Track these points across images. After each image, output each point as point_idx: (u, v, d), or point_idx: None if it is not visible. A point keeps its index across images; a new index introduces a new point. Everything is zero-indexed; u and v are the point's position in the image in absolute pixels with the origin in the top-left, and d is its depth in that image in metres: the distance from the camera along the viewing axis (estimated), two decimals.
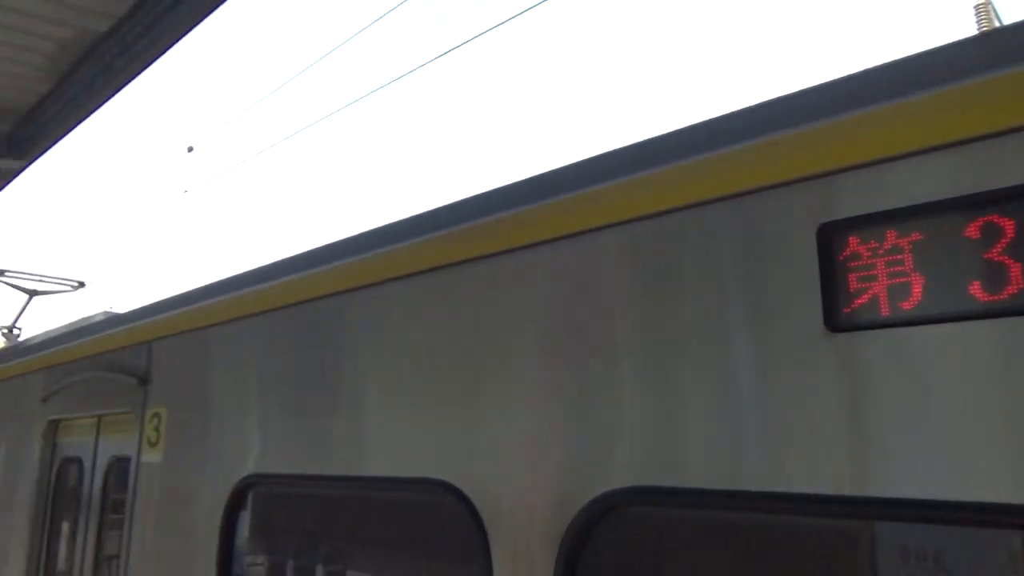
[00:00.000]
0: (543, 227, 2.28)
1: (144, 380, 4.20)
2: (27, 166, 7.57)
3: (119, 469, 4.51)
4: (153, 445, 3.99)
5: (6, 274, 10.86)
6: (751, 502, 1.75)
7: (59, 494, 5.23)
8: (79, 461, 5.00)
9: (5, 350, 8.49)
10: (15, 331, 11.17)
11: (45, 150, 7.28)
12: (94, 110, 6.63)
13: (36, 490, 5.30)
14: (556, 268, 2.22)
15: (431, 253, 2.61)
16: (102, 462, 4.71)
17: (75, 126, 6.89)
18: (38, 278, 11.34)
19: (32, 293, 11.20)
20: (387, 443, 2.65)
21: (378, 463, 2.69)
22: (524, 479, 2.20)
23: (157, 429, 3.98)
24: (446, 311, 2.52)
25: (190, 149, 10.25)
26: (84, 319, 7.46)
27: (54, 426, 5.35)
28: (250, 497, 3.33)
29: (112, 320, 5.42)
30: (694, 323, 1.89)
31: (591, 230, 2.15)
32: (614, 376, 2.04)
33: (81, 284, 11.43)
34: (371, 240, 2.96)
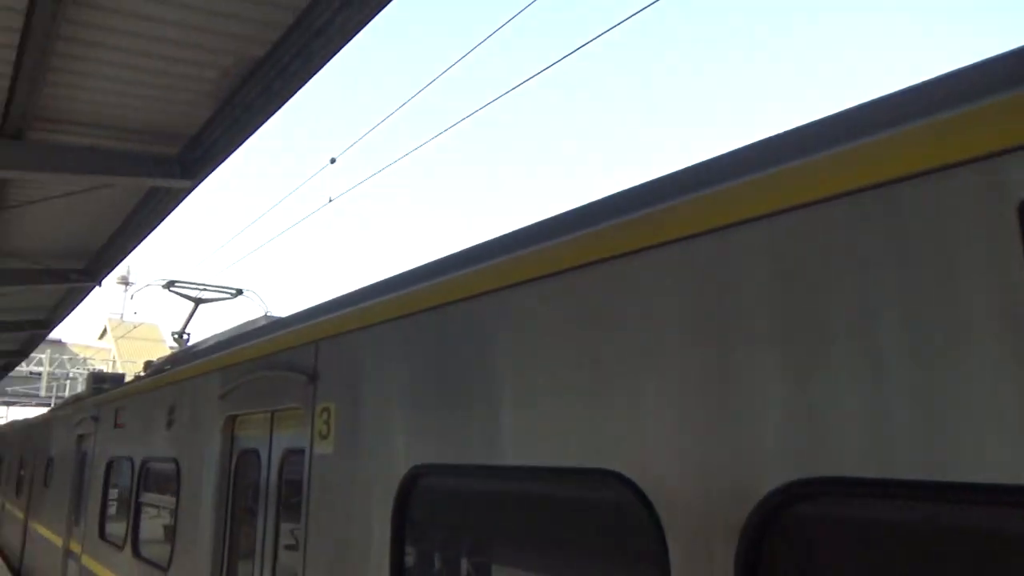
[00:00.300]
0: (718, 213, 2.23)
1: (313, 377, 4.50)
2: (196, 186, 8.27)
3: (292, 460, 4.86)
4: (324, 438, 4.27)
5: (176, 285, 11.97)
6: (952, 494, 1.67)
7: (239, 483, 5.69)
8: (256, 453, 5.42)
9: (179, 354, 9.34)
10: (184, 336, 12.28)
11: (211, 170, 7.92)
12: (254, 130, 7.16)
13: (218, 479, 5.79)
14: (735, 254, 2.17)
15: (599, 245, 2.62)
16: (277, 454, 5.09)
17: (238, 146, 7.46)
18: (202, 287, 12.43)
19: (198, 301, 12.27)
20: (557, 433, 2.68)
21: (547, 453, 2.72)
22: (700, 469, 2.17)
23: (327, 423, 4.26)
24: (617, 301, 2.52)
25: (332, 160, 10.83)
26: (247, 323, 8.09)
27: (232, 421, 5.83)
28: (419, 486, 3.49)
29: (278, 323, 5.84)
30: (886, 308, 1.80)
31: (768, 215, 2.09)
32: (795, 362, 1.97)
33: (239, 292, 12.40)
34: (536, 234, 3.01)
